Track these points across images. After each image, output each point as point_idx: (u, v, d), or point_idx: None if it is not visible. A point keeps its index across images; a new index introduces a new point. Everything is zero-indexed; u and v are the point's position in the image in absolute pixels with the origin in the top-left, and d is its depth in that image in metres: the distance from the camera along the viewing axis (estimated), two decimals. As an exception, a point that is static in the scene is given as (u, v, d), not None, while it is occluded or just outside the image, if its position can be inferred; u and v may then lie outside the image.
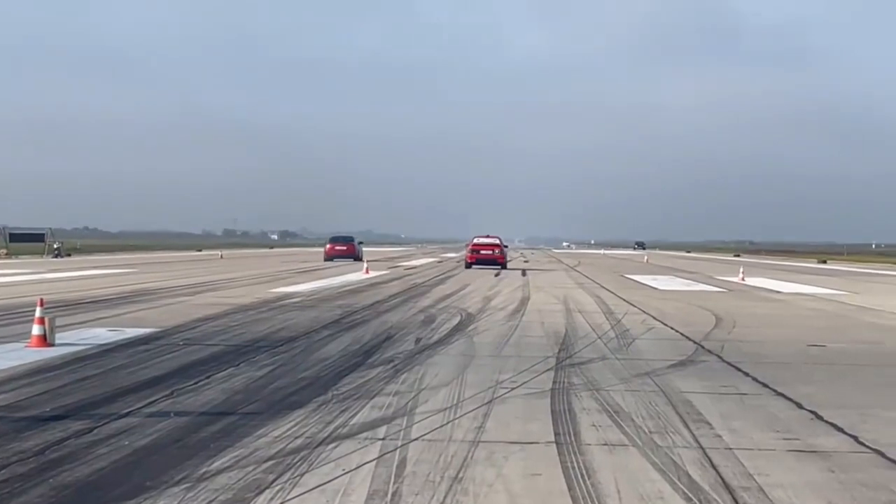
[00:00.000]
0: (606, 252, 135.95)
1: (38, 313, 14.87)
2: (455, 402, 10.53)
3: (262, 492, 6.90)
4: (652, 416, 9.88)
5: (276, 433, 8.79)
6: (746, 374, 13.05)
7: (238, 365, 13.16)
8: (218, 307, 22.85)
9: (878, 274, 55.66)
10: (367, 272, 43.70)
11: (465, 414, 9.83)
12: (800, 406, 10.69)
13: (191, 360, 13.65)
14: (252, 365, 13.22)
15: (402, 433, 8.87)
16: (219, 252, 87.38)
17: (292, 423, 9.23)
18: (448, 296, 28.51)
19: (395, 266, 57.05)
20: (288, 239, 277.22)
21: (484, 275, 44.14)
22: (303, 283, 35.27)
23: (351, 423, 9.32)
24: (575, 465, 7.80)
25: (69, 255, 70.47)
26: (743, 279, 43.21)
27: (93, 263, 55.36)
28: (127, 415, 9.60)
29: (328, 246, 67.20)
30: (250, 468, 7.54)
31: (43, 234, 73.22)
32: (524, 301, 26.79)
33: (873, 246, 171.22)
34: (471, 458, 7.94)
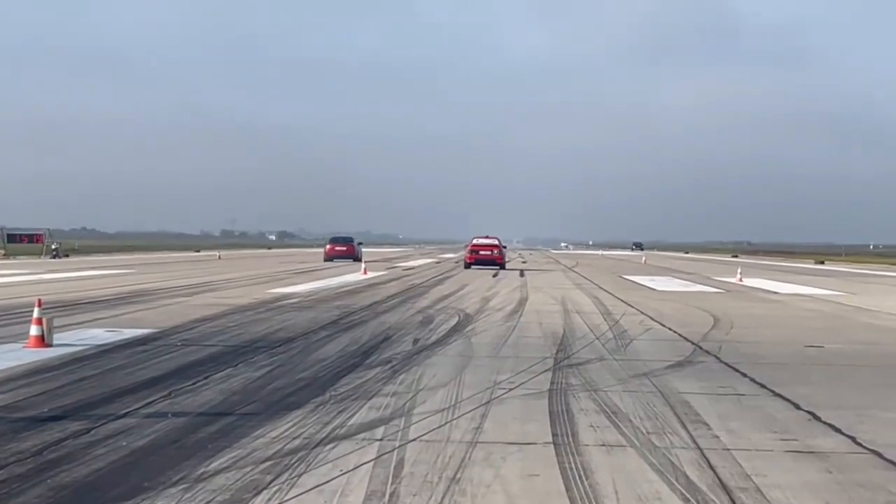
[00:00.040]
0: (604, 253, 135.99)
1: (36, 314, 14.87)
2: (453, 402, 10.54)
3: (259, 492, 6.90)
4: (650, 417, 9.88)
5: (273, 434, 8.79)
6: (744, 375, 13.06)
7: (236, 366, 13.16)
8: (216, 308, 22.84)
9: (875, 275, 55.71)
10: (365, 273, 43.70)
11: (463, 415, 9.83)
12: (797, 407, 10.70)
13: (189, 360, 13.65)
14: (250, 366, 13.22)
15: (399, 434, 8.87)
16: (217, 253, 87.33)
17: (290, 424, 9.23)
18: (446, 296, 28.51)
19: (393, 267, 57.06)
20: (286, 239, 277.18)
21: (482, 275, 44.16)
22: (301, 283, 35.26)
23: (349, 423, 9.32)
24: (573, 465, 7.80)
25: (67, 255, 70.44)
26: (740, 280, 43.24)
27: (91, 264, 55.35)
28: (125, 415, 9.60)
29: (328, 246, 68.19)
30: (248, 469, 7.54)
31: (40, 235, 73.19)
32: (522, 302, 26.79)
33: (871, 247, 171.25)
34: (469, 459, 7.94)
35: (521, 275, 46.51)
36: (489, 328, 19.02)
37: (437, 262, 68.23)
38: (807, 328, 20.76)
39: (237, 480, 7.21)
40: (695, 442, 8.77)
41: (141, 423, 9.22)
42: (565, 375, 12.68)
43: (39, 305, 15.12)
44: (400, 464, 7.76)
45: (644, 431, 9.16)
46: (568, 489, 7.12)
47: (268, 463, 7.73)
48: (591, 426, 9.37)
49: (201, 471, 7.47)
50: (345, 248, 66.93)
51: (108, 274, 42.15)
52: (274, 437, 8.64)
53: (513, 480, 7.34)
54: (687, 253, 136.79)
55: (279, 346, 15.49)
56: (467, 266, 52.66)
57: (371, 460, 7.84)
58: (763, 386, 12.15)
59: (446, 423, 9.37)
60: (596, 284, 38.45)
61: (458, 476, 7.41)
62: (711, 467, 7.83)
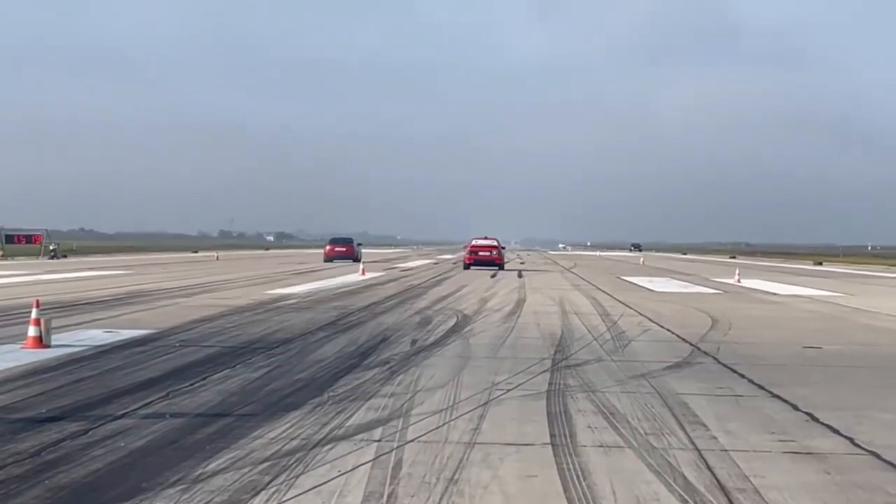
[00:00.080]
0: (602, 254, 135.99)
1: (34, 315, 14.86)
2: (451, 403, 10.54)
3: (257, 493, 6.90)
4: (648, 418, 9.88)
5: (271, 435, 8.79)
6: (742, 376, 13.06)
7: (234, 366, 13.16)
8: (214, 309, 22.84)
9: (873, 276, 55.71)
10: (363, 274, 43.70)
11: (461, 415, 9.83)
12: (796, 408, 10.70)
13: (187, 361, 13.64)
14: (248, 366, 13.22)
15: (397, 435, 8.87)
16: (215, 253, 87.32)
17: (288, 425, 9.23)
18: (444, 297, 28.51)
19: (391, 268, 57.08)
20: (284, 240, 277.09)
21: (480, 276, 44.16)
22: (299, 284, 35.26)
23: (347, 424, 9.32)
24: (571, 466, 7.80)
25: (65, 256, 70.40)
26: (739, 281, 43.25)
27: (89, 265, 55.32)
28: (123, 416, 9.59)
29: (328, 247, 69.18)
30: (246, 469, 7.54)
31: (39, 235, 73.16)
32: (520, 303, 26.79)
33: (869, 248, 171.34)
34: (466, 460, 7.94)
35: (520, 276, 46.51)
36: (487, 329, 19.02)
37: (435, 263, 68.24)
38: (805, 329, 20.76)
39: (235, 481, 7.21)
40: (693, 443, 8.77)
41: (139, 424, 9.21)
42: (563, 376, 12.67)
43: (37, 306, 15.12)
44: (398, 465, 7.76)
45: (642, 432, 9.16)
46: (566, 490, 7.12)
47: (266, 464, 7.73)
48: (589, 427, 9.37)
49: (199, 472, 7.47)
50: (345, 249, 67.69)
51: (106, 275, 42.13)
52: (272, 438, 8.64)
53: (511, 481, 7.34)
54: (685, 254, 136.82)
55: (277, 347, 15.49)
56: (466, 267, 52.89)
57: (369, 461, 7.84)
58: (761, 387, 12.15)
59: (444, 424, 9.37)
60: (594, 285, 38.45)
61: (456, 477, 7.41)
62: (709, 468, 7.83)
